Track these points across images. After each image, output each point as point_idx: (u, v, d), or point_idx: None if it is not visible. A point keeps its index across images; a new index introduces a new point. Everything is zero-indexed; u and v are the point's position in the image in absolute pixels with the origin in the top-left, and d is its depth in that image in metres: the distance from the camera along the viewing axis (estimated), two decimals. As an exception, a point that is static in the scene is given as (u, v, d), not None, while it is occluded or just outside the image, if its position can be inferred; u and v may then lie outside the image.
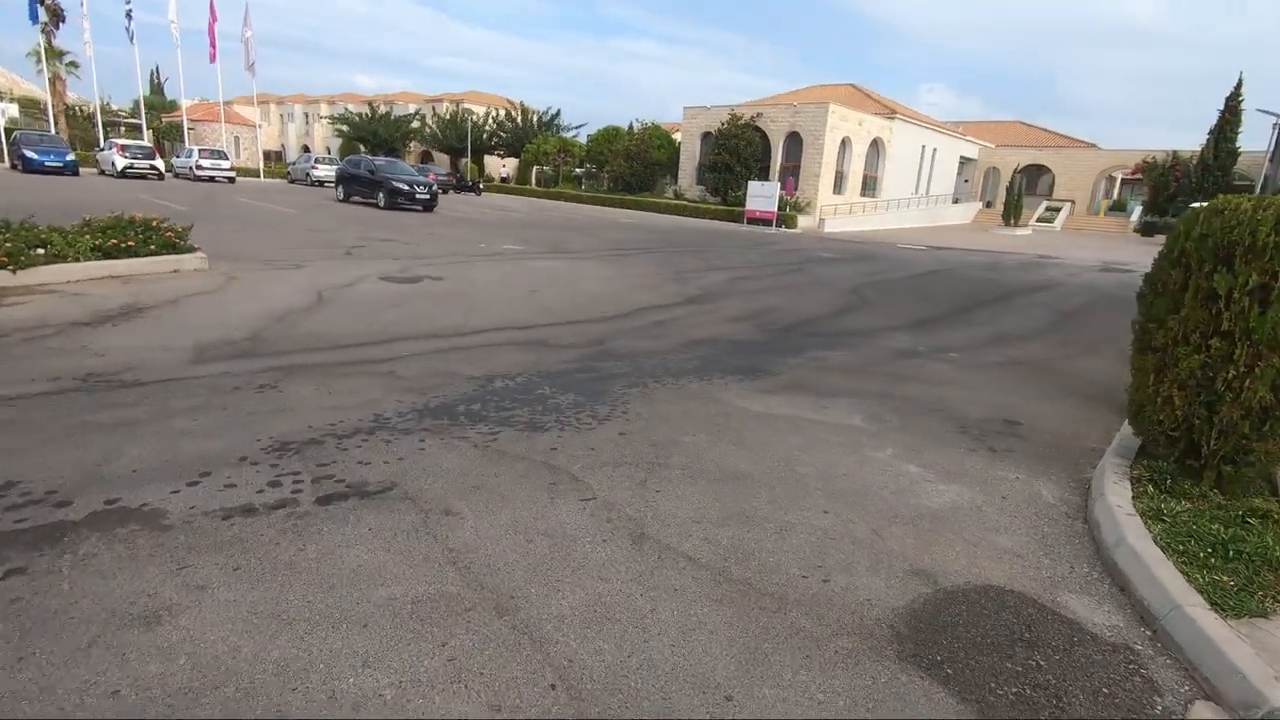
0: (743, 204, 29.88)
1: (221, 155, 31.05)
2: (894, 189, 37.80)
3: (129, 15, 31.72)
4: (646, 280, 10.94)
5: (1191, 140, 43.28)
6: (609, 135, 41.91)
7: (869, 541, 3.09)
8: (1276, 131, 28.69)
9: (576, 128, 51.00)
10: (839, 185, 34.63)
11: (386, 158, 27.57)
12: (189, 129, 41.93)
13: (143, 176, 27.75)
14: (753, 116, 33.97)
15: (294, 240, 12.78)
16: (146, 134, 36.19)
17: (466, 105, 53.14)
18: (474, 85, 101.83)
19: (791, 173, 33.27)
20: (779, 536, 3.08)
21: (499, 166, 54.05)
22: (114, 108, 53.68)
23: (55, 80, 37.56)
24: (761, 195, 28.33)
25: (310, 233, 14.21)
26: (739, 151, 32.90)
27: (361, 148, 51.61)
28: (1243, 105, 35.74)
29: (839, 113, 32.55)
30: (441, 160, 54.31)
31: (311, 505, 3.09)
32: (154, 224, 8.46)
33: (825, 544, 3.04)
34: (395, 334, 6.38)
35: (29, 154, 25.20)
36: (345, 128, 51.92)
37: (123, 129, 42.27)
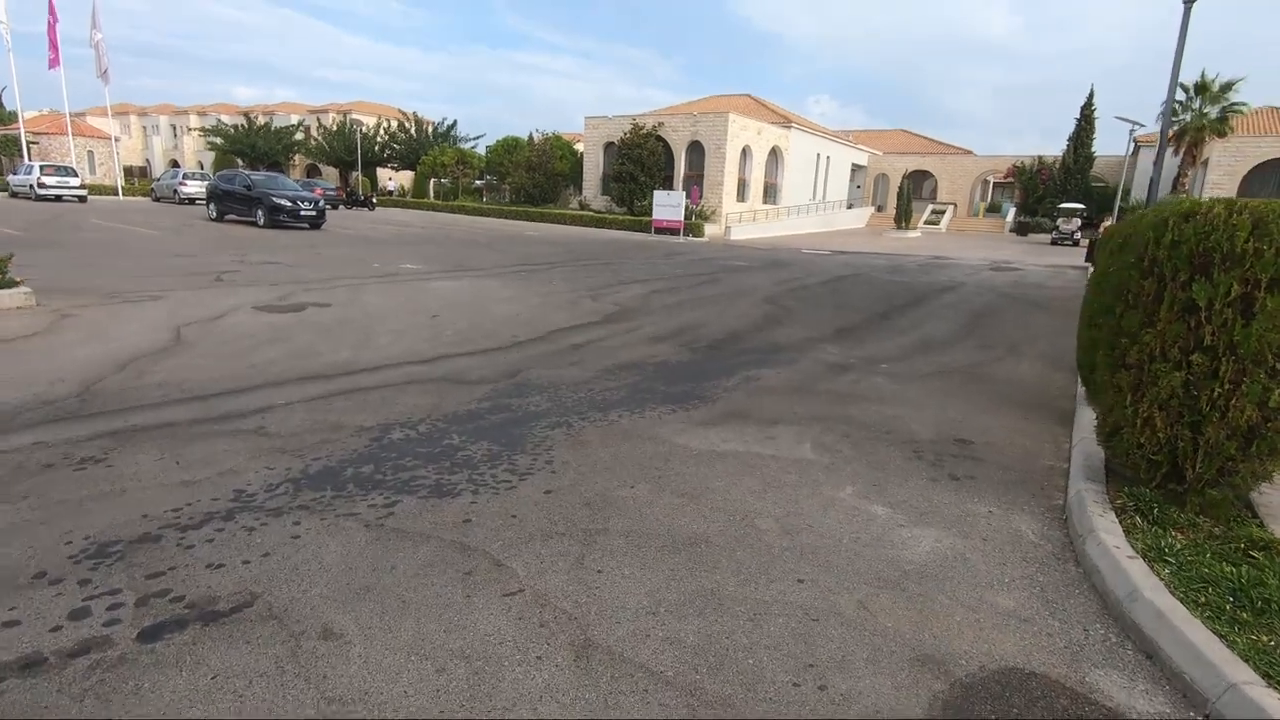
0: (649, 214, 29.68)
1: (69, 172, 27.65)
2: (793, 196, 38.85)
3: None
4: (559, 298, 10.27)
5: (1054, 146, 47.03)
6: (509, 146, 40.83)
7: (858, 620, 2.58)
8: (1131, 138, 31.51)
9: (475, 139, 49.51)
10: (742, 193, 35.16)
11: (266, 172, 25.41)
12: (30, 143, 37.37)
13: (-29, 197, 24.25)
14: (655, 126, 33.95)
15: (153, 267, 11.23)
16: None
17: (355, 115, 50.43)
18: (365, 96, 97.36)
19: (696, 181, 33.45)
20: (754, 624, 2.53)
21: (392, 180, 51.66)
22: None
23: None
24: (668, 205, 28.24)
25: (174, 258, 12.60)
26: (643, 161, 32.76)
27: (239, 162, 47.94)
28: (1095, 114, 39.18)
29: (739, 122, 33.06)
30: (331, 174, 51.31)
31: (131, 643, 2.26)
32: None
33: (810, 631, 2.51)
34: (270, 377, 5.42)
35: None
36: (219, 140, 48.02)
37: None
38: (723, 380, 6.03)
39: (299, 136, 50.43)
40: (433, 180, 44.98)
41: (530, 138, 40.79)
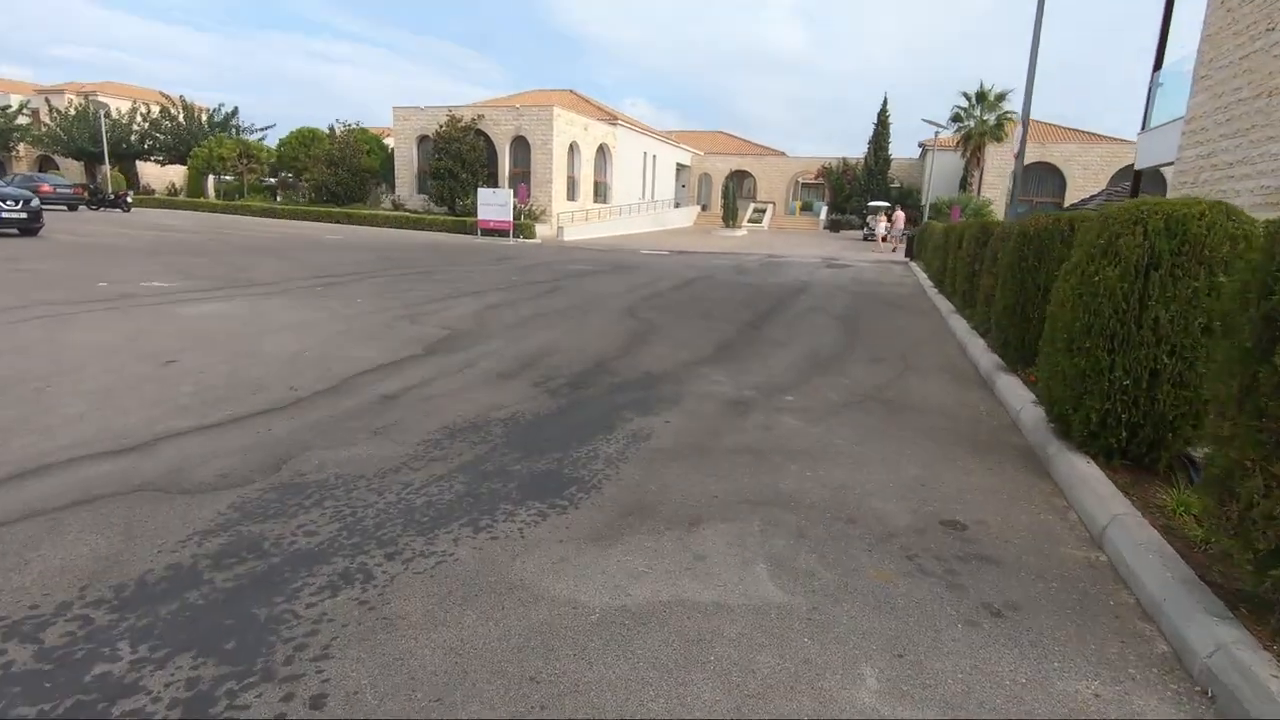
0: (473, 214, 27.19)
1: None
2: (623, 195, 38.09)
3: None
4: (366, 322, 7.95)
5: (852, 150, 50.97)
6: (304, 138, 35.92)
7: None
8: (920, 143, 34.33)
9: (264, 129, 43.36)
10: (572, 192, 33.66)
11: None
12: None
13: None
14: (474, 119, 31.37)
15: None
16: None
17: (102, 97, 41.83)
18: (123, 77, 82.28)
19: (522, 179, 31.39)
20: None
21: (159, 175, 43.78)
22: None
23: None
24: (494, 204, 25.94)
25: None
26: (463, 157, 30.10)
27: (-66, 151, 37.80)
28: (889, 120, 42.68)
29: (564, 116, 31.48)
30: (73, 169, 42.30)
31: None
32: None
33: None
34: None
35: None
36: (-98, 124, 37.42)
37: None
38: (600, 441, 4.33)
39: (21, 120, 40.88)
40: (211, 177, 38.49)
41: (331, 130, 36.22)
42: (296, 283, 10.96)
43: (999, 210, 30.52)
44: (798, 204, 49.74)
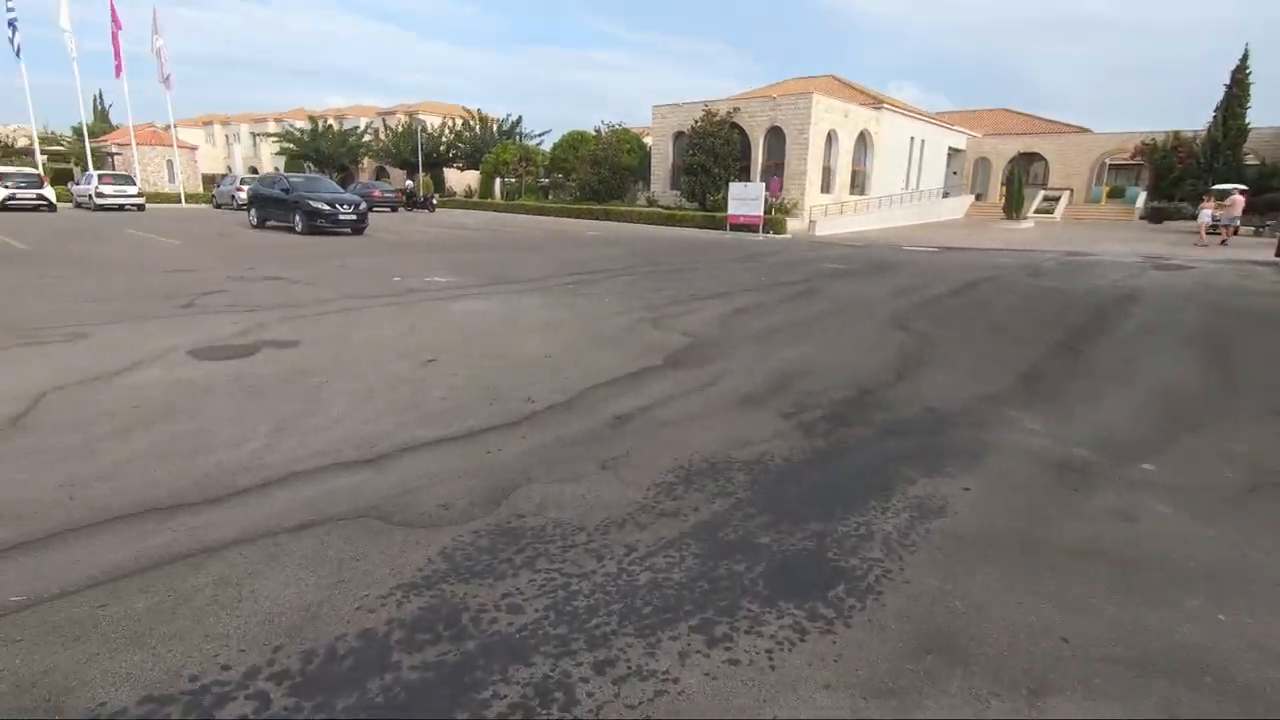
0: (724, 209, 26.82)
1: (126, 180, 27.34)
2: (883, 185, 35.00)
3: (12, 26, 27.89)
4: (609, 325, 7.70)
5: (1188, 121, 41.00)
6: (574, 141, 38.72)
7: None
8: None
9: (540, 134, 47.83)
10: (827, 183, 31.72)
11: (307, 175, 24.10)
12: (111, 155, 38.12)
13: (32, 208, 24.04)
14: (729, 112, 30.99)
15: (127, 289, 9.38)
16: (40, 161, 32.18)
17: (421, 115, 49.63)
18: (435, 97, 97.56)
19: (775, 172, 30.30)
20: None
21: (459, 179, 50.76)
22: (57, 135, 49.37)
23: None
24: (745, 198, 25.27)
25: (167, 274, 10.81)
26: (716, 151, 29.87)
27: (310, 166, 47.99)
28: (1250, 78, 33.40)
29: (824, 104, 29.67)
30: (399, 176, 50.85)
31: None
32: None
33: None
34: (55, 519, 3.06)
35: (-115, 190, 21.47)
36: (291, 145, 48.17)
37: (14, 158, 38.08)
38: (874, 511, 3.29)
39: (367, 139, 50.10)
40: (498, 179, 43.53)
41: (597, 131, 38.53)
42: (552, 280, 11.31)
43: None
44: (1104, 189, 41.51)
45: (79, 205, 27.67)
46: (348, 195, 19.10)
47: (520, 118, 47.65)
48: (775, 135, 30.70)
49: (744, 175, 30.42)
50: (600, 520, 3.16)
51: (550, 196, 40.16)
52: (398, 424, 4.37)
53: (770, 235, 24.98)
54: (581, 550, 2.89)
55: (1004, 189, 35.93)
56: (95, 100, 67.97)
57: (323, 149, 47.39)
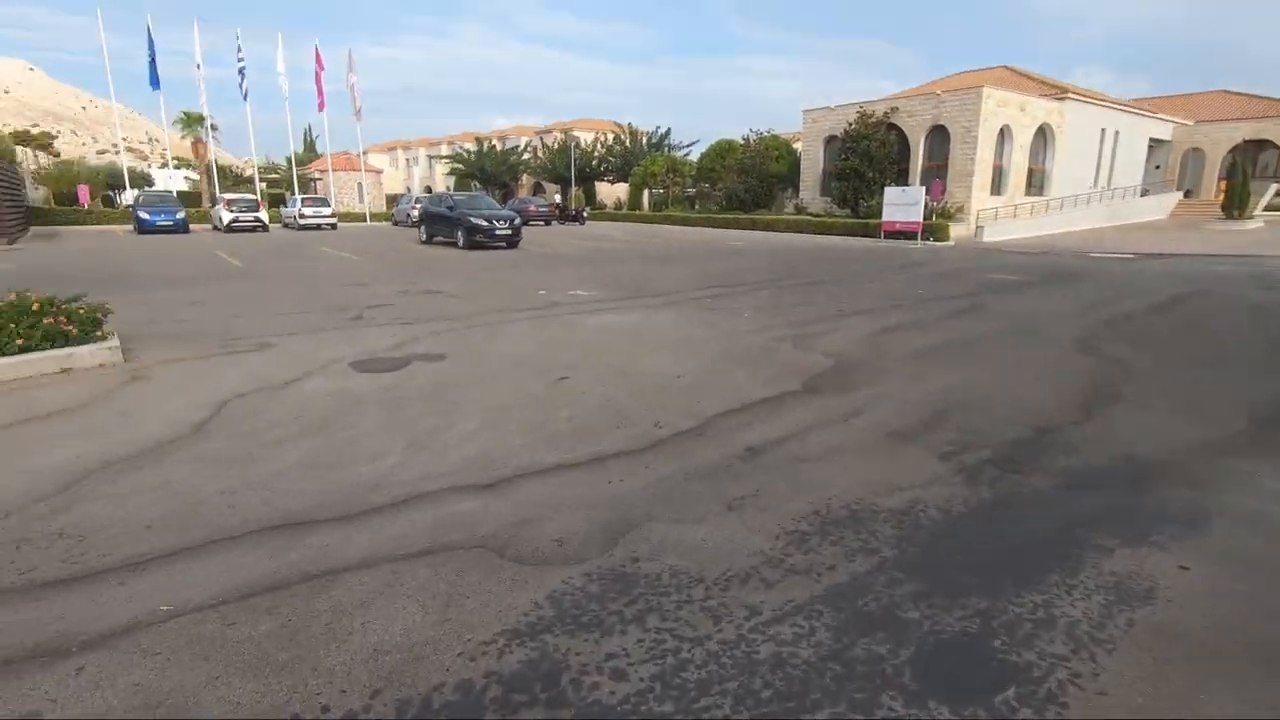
0: (877, 215, 25.33)
1: (322, 203, 30.97)
2: (1066, 184, 31.34)
3: (241, 74, 32.90)
4: (747, 343, 7.34)
5: None
6: (721, 150, 38.53)
7: None
8: None
9: (688, 145, 48.17)
10: (998, 184, 28.98)
11: (469, 193, 25.81)
12: (314, 180, 43.47)
13: (250, 229, 27.93)
14: (886, 112, 29.28)
15: (307, 301, 10.42)
16: (259, 188, 37.38)
17: (575, 132, 51.86)
18: (591, 113, 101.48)
19: (937, 174, 28.16)
20: None
21: (610, 192, 52.36)
22: (274, 164, 57.63)
23: (198, 142, 39.96)
24: (902, 203, 23.67)
25: (345, 287, 11.91)
26: (870, 154, 28.30)
27: (476, 185, 51.75)
28: None
29: (996, 97, 27.13)
30: (553, 190, 53.44)
31: None
32: (41, 307, 6.06)
33: None
34: (214, 528, 3.27)
35: (142, 215, 25.86)
36: (460, 166, 52.27)
37: (239, 184, 44.38)
38: (1055, 588, 2.71)
39: (526, 156, 53.15)
40: (647, 191, 44.37)
41: (746, 140, 38.05)
42: (690, 293, 11.12)
43: None
44: (1361, 181, 34.28)
45: (286, 225, 31.79)
46: (503, 211, 20.21)
47: (669, 130, 48.31)
48: (938, 134, 28.56)
49: (901, 179, 28.58)
50: (721, 572, 2.86)
51: (696, 207, 40.22)
52: (524, 444, 4.34)
53: (930, 243, 23.18)
54: (698, 608, 2.61)
55: (1223, 183, 30.85)
56: (305, 133, 78.28)
57: (486, 168, 50.95)
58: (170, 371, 6.16)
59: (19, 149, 55.20)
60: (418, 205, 32.01)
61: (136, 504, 3.53)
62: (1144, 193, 36.12)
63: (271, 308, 9.77)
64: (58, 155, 66.22)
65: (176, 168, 49.60)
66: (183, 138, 40.02)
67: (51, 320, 5.98)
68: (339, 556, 3.00)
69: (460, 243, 19.42)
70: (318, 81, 34.79)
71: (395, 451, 4.23)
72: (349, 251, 19.31)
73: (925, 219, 23.69)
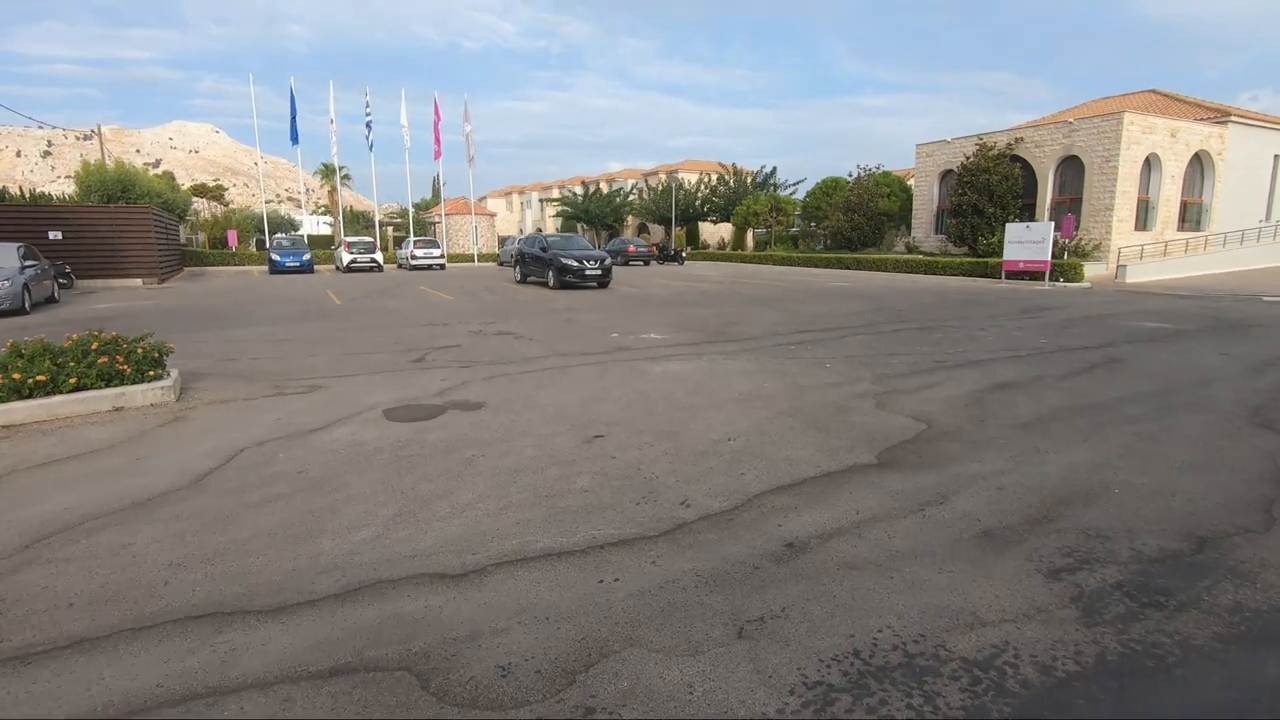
0: (998, 254, 23.19)
1: (433, 244, 32.53)
2: (1230, 218, 27.57)
3: (369, 126, 35.67)
4: (822, 397, 6.40)
5: None
6: (827, 188, 37.24)
7: None
8: None
9: (794, 184, 47.09)
10: (1144, 219, 25.91)
11: (563, 234, 26.12)
12: (432, 223, 46.16)
13: (366, 270, 29.74)
14: (1010, 144, 27.12)
15: (382, 340, 10.45)
16: (379, 232, 40.08)
17: (680, 173, 52.21)
18: (703, 155, 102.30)
19: (1070, 208, 25.59)
20: None
21: (713, 232, 52.06)
22: (404, 209, 62.28)
23: (333, 190, 43.59)
24: (1026, 240, 21.50)
25: (422, 328, 11.97)
26: (990, 189, 26.19)
27: (580, 227, 53.05)
28: None
29: (1139, 123, 24.41)
30: (658, 231, 53.85)
31: None
32: (101, 345, 6.18)
33: None
34: (137, 611, 2.84)
35: (274, 257, 28.19)
36: (566, 209, 53.91)
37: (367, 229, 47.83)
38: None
39: (632, 198, 54.02)
40: (750, 231, 43.64)
41: (855, 177, 36.57)
42: (774, 339, 10.22)
43: None
44: None
45: (400, 266, 33.68)
46: (594, 252, 20.13)
47: (774, 169, 47.55)
48: (1071, 166, 26.04)
49: (1027, 214, 26.22)
50: (697, 749, 2.05)
51: (799, 246, 38.94)
52: (518, 522, 3.70)
53: (1060, 284, 20.83)
54: (644, 814, 1.82)
55: None
56: (434, 180, 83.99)
57: (590, 210, 52.18)
58: (211, 413, 6.08)
59: (196, 199, 63.03)
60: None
61: (78, 573, 3.18)
62: (1332, 227, 31.16)
63: (347, 347, 9.85)
64: (228, 205, 74.90)
65: (317, 214, 54.44)
66: (321, 186, 43.77)
67: (106, 359, 6.06)
68: (239, 669, 2.45)
69: (551, 283, 19.47)
70: (435, 131, 37.16)
71: (375, 523, 3.72)
72: (445, 291, 19.86)
73: (1055, 257, 21.36)
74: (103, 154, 42.42)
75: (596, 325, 12.07)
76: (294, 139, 33.93)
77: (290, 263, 27.89)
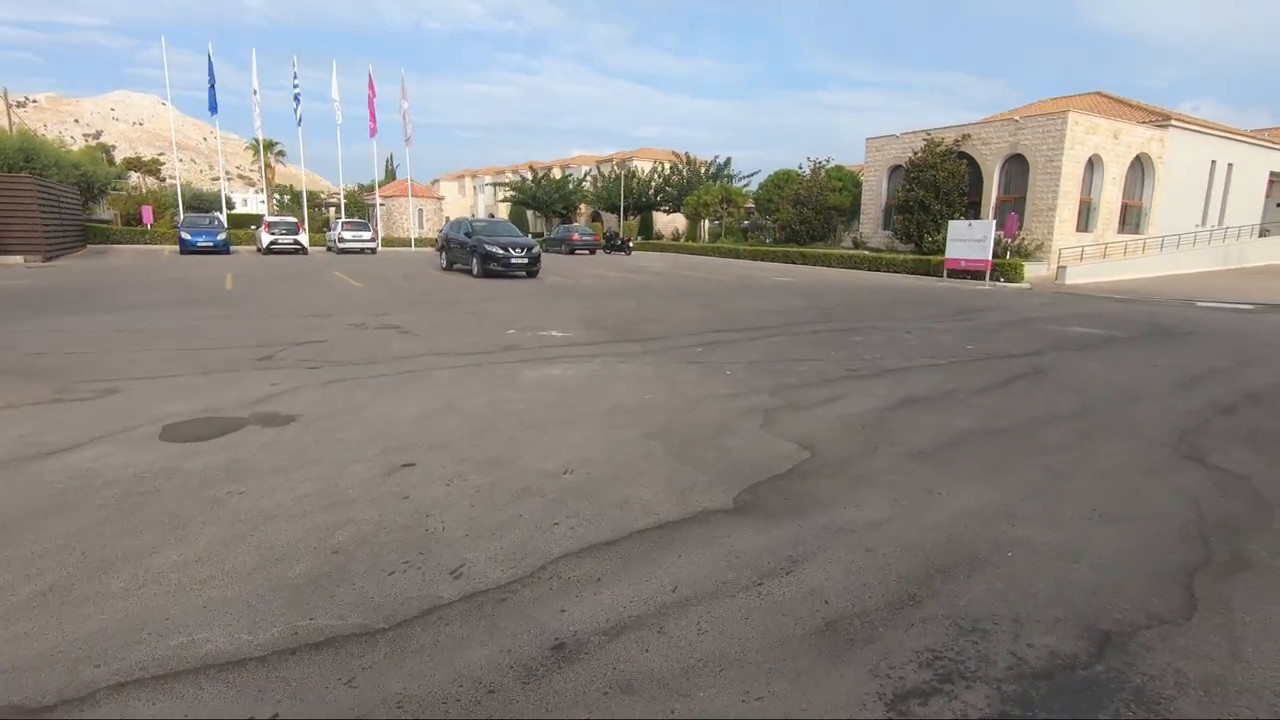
0: (943, 251, 22.83)
1: (363, 226, 30.85)
2: (1169, 221, 27.84)
3: (297, 99, 33.54)
4: (702, 415, 5.50)
5: None
6: (779, 180, 36.65)
7: None
8: None
9: (748, 176, 46.49)
10: (1085, 220, 25.92)
11: (489, 219, 24.88)
12: (373, 206, 44.15)
13: (287, 251, 27.94)
14: (957, 140, 26.81)
15: (243, 333, 9.19)
16: (306, 212, 38.03)
17: (635, 162, 51.07)
18: (669, 145, 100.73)
19: (1014, 207, 25.41)
20: None
21: (667, 222, 51.17)
22: (351, 189, 59.58)
23: (268, 166, 41.21)
24: (968, 238, 21.14)
25: (301, 318, 10.73)
26: (937, 185, 25.85)
27: (531, 214, 51.56)
28: None
29: (1084, 123, 24.31)
30: (611, 220, 52.71)
31: None
32: None
33: None
34: None
35: (184, 236, 26.17)
36: (515, 194, 52.29)
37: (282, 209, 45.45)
38: None
39: (585, 186, 52.68)
40: (705, 221, 42.84)
41: (809, 170, 35.98)
42: (684, 339, 9.32)
43: None
44: None
45: (329, 249, 31.87)
46: (523, 240, 18.98)
47: (729, 159, 46.86)
48: (1016, 164, 25.86)
49: (972, 212, 25.97)
50: None
51: (749, 238, 38.32)
52: (207, 604, 2.68)
53: (1000, 284, 20.52)
54: None
55: (1362, 225, 26.65)
56: (388, 162, 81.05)
57: (539, 196, 50.69)
58: (-59, 427, 4.86)
59: (133, 174, 59.28)
60: (459, 231, 31.51)
61: None
62: (1264, 233, 31.90)
63: (197, 340, 8.59)
64: (164, 180, 70.81)
65: (257, 193, 51.60)
66: (252, 163, 41.39)
67: None
68: None
69: (475, 271, 18.27)
70: (370, 107, 35.24)
71: (11, 602, 2.66)
72: (358, 278, 18.44)
73: (996, 257, 21.05)
74: (9, 120, 39.23)
75: (500, 319, 11.00)
76: (212, 108, 31.62)
77: (203, 242, 25.89)
